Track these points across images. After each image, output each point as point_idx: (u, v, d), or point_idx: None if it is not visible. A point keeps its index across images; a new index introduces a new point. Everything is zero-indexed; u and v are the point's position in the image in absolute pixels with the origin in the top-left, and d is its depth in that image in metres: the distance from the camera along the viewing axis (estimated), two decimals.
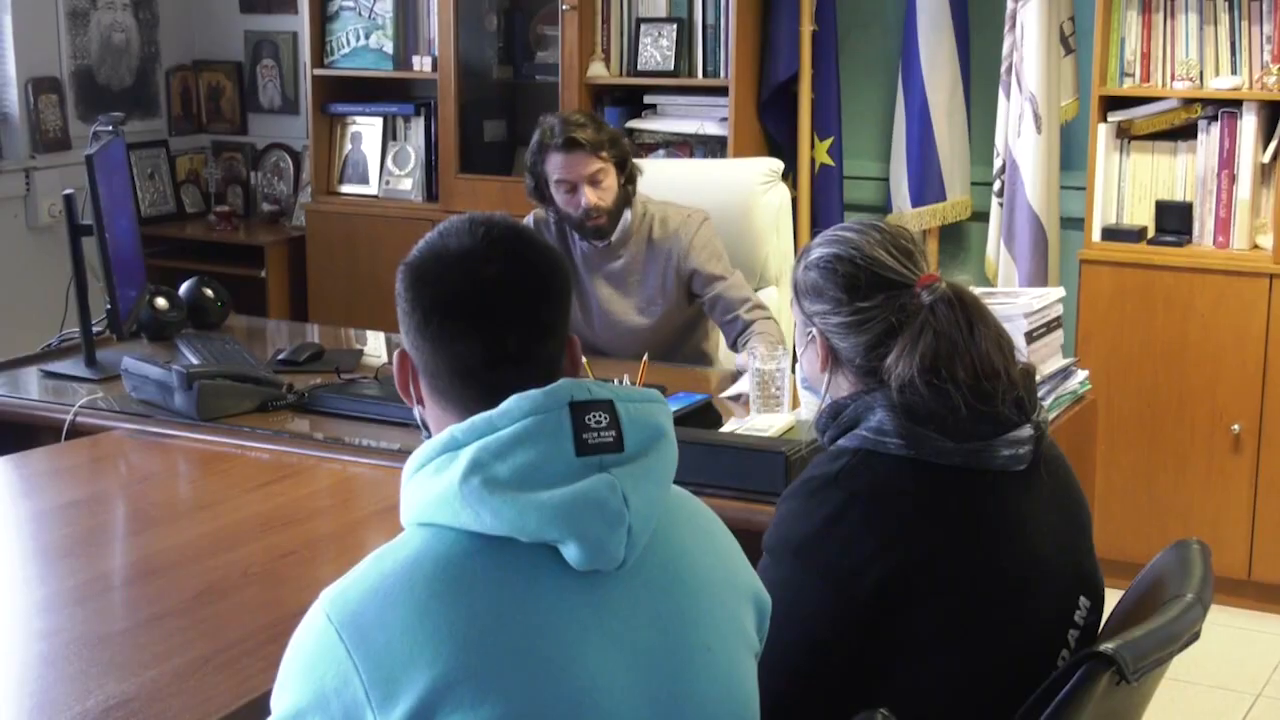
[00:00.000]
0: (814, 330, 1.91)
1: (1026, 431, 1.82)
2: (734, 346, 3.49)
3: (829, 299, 1.88)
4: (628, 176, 3.46)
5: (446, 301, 1.48)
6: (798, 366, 2.02)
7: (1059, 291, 2.93)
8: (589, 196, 3.39)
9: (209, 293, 3.78)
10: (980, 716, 1.80)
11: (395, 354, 1.55)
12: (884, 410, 1.81)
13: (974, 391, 1.79)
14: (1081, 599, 1.88)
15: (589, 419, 1.41)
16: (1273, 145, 4.01)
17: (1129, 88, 4.16)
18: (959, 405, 1.78)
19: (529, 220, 3.61)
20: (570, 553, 1.39)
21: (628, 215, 3.48)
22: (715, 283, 3.46)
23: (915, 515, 1.78)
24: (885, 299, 1.85)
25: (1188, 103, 4.10)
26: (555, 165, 3.40)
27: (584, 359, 3.12)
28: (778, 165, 3.93)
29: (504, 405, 1.42)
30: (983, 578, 1.78)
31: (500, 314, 1.48)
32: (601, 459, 1.41)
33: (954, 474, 1.79)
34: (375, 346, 3.76)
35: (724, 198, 3.82)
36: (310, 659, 1.38)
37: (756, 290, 3.82)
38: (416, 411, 1.58)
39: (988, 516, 1.81)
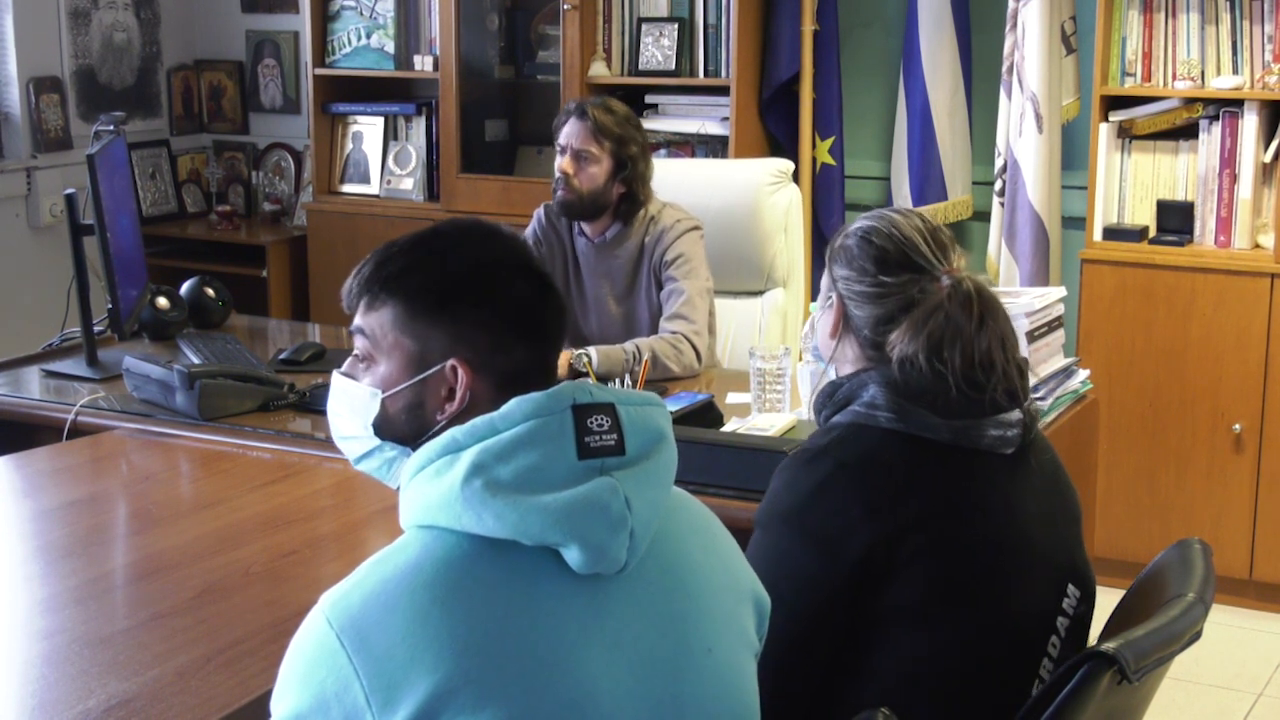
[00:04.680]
0: (834, 295, 1.96)
1: (1015, 416, 1.87)
2: None
3: (856, 267, 1.93)
4: (624, 182, 3.43)
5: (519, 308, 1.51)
6: (805, 335, 2.07)
7: (1060, 291, 2.93)
8: (565, 165, 3.40)
9: (210, 292, 3.78)
10: (971, 694, 1.83)
11: (448, 369, 1.49)
12: (877, 386, 1.87)
13: (966, 379, 1.84)
14: (1070, 587, 1.91)
15: (591, 422, 1.41)
16: (1274, 145, 4.01)
17: (1130, 87, 4.16)
18: (950, 388, 1.83)
19: (533, 218, 3.60)
20: (572, 556, 1.39)
21: (619, 226, 3.48)
22: (669, 283, 3.43)
23: (902, 484, 1.83)
24: (910, 279, 1.90)
25: (1189, 102, 4.10)
26: (560, 128, 3.44)
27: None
28: (787, 166, 3.90)
29: (505, 408, 1.42)
30: (967, 550, 1.82)
31: (555, 326, 1.53)
32: (603, 462, 1.41)
33: (942, 449, 1.84)
34: None
35: (732, 198, 3.81)
36: (310, 663, 1.38)
37: (763, 292, 3.82)
38: (390, 451, 1.57)
39: (973, 492, 1.85)
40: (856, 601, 1.81)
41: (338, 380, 1.59)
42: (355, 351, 1.56)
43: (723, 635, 1.52)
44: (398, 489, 1.50)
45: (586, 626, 1.40)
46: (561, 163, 3.42)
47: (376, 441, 1.56)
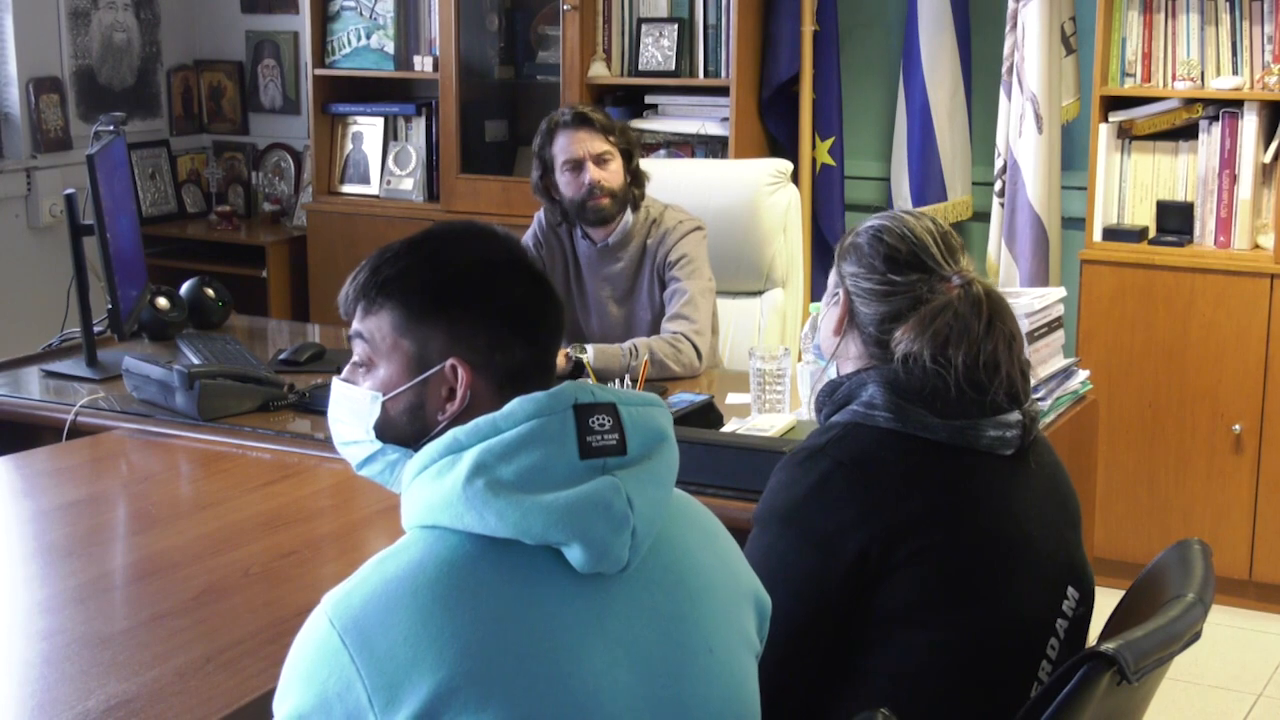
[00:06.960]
0: (841, 292, 1.96)
1: (1014, 417, 1.87)
2: None
3: (865, 264, 1.94)
4: (633, 174, 3.45)
5: (519, 308, 1.51)
6: (805, 335, 2.08)
7: (1060, 291, 2.93)
8: (593, 172, 3.37)
9: (210, 292, 3.78)
10: (968, 696, 1.83)
11: (448, 369, 1.49)
12: (876, 386, 1.87)
13: (969, 380, 1.84)
14: (1070, 589, 1.91)
15: (593, 422, 1.42)
16: (1274, 145, 4.01)
17: (1130, 88, 4.16)
18: (950, 387, 1.83)
19: (533, 221, 3.60)
20: (574, 555, 1.39)
21: (629, 218, 3.46)
22: (673, 283, 3.43)
23: (899, 484, 1.83)
24: (919, 279, 1.91)
25: (1189, 103, 4.10)
26: (563, 144, 3.40)
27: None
28: (786, 166, 3.91)
29: (507, 408, 1.42)
30: (964, 551, 1.82)
31: (552, 324, 1.54)
32: (605, 462, 1.42)
33: (940, 449, 1.84)
34: None
35: (731, 198, 3.81)
36: (313, 663, 1.38)
37: (762, 292, 3.82)
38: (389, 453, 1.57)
39: (971, 492, 1.85)
40: (853, 601, 1.81)
41: (337, 386, 1.59)
42: (354, 357, 1.57)
43: (724, 635, 1.52)
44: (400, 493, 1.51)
45: (588, 626, 1.40)
46: (590, 173, 3.37)
47: (379, 445, 1.56)
